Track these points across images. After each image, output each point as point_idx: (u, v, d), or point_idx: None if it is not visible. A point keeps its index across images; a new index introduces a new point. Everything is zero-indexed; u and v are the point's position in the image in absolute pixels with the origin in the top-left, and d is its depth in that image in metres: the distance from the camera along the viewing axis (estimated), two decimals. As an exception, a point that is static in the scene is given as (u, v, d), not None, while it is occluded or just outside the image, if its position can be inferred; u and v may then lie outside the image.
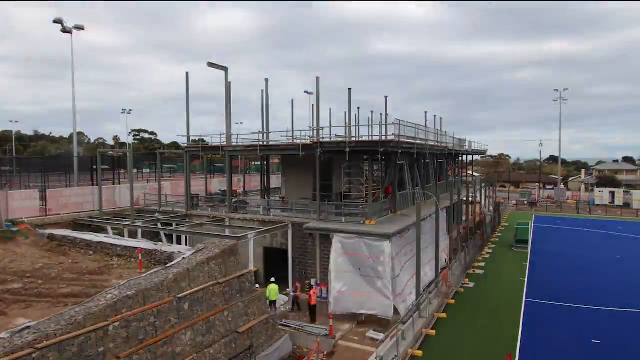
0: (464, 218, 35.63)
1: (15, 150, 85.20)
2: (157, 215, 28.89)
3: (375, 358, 13.90)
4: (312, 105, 39.07)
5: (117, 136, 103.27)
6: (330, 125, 38.34)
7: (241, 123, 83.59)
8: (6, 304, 13.23)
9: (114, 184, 34.67)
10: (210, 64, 26.43)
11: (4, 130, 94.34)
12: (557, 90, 72.08)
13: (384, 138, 22.71)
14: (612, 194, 67.03)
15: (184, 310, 13.50)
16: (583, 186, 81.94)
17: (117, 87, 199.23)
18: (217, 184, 39.76)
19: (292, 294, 21.62)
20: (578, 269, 29.41)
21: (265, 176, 32.81)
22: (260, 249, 24.23)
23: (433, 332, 18.62)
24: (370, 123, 39.94)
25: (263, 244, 24.34)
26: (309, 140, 25.46)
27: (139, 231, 24.76)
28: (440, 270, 23.72)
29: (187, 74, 28.24)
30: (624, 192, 68.11)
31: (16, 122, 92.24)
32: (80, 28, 33.74)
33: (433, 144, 31.45)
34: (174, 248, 18.84)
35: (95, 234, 22.57)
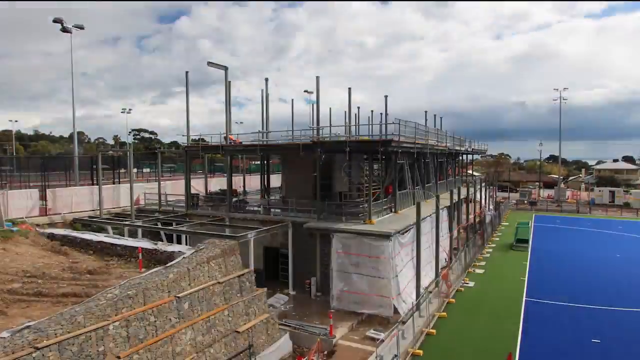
0: (463, 217, 35.64)
1: (15, 150, 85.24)
2: (157, 215, 28.90)
3: (375, 357, 13.90)
4: (312, 105, 39.10)
5: (117, 135, 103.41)
6: (330, 124, 38.40)
7: (241, 122, 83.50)
8: (6, 303, 13.22)
9: (114, 183, 34.66)
10: (210, 64, 26.43)
11: (4, 130, 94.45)
12: (557, 89, 72.15)
13: (384, 137, 22.72)
14: (612, 193, 67.06)
15: (184, 309, 13.50)
16: (583, 186, 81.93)
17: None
18: (217, 183, 39.78)
19: None
20: (578, 269, 29.42)
21: (265, 176, 32.81)
22: (260, 248, 24.23)
23: (433, 331, 18.63)
24: (370, 122, 40.01)
25: (263, 244, 24.34)
26: (309, 140, 25.47)
27: (139, 231, 24.77)
28: (440, 270, 23.73)
29: (186, 73, 28.26)
30: (624, 191, 68.13)
31: (16, 121, 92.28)
32: (80, 27, 33.74)
33: (433, 143, 31.47)
34: (174, 247, 18.83)
35: (95, 233, 22.57)
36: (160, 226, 26.27)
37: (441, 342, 17.79)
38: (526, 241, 36.12)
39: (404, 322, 17.14)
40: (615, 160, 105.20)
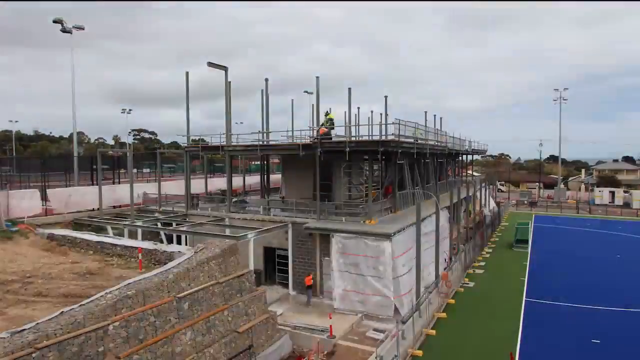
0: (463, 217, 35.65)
1: (15, 150, 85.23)
2: (157, 215, 28.90)
3: (375, 358, 13.90)
4: (312, 105, 39.08)
5: (117, 136, 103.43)
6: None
7: (241, 123, 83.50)
8: (6, 304, 13.23)
9: (114, 183, 34.66)
10: (210, 64, 26.40)
11: (4, 130, 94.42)
12: (557, 89, 72.15)
13: (383, 138, 22.71)
14: (612, 193, 67.07)
15: (184, 310, 13.50)
16: (583, 186, 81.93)
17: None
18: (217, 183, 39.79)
19: None
20: (578, 269, 29.42)
21: (265, 176, 32.80)
22: (260, 248, 24.23)
23: (433, 331, 18.63)
24: (370, 123, 39.99)
25: (263, 244, 24.34)
26: (309, 140, 25.45)
27: (139, 231, 24.77)
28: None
29: (187, 73, 28.23)
30: (624, 191, 68.15)
31: (16, 122, 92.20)
32: (80, 28, 33.74)
33: (433, 143, 31.46)
34: (174, 248, 18.84)
35: (95, 233, 22.58)
36: (160, 226, 26.28)
37: (441, 342, 17.79)
38: (526, 241, 36.13)
39: (403, 323, 17.14)
40: (615, 161, 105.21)
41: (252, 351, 15.00)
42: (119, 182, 35.03)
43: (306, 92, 50.45)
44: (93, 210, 28.99)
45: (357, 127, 33.05)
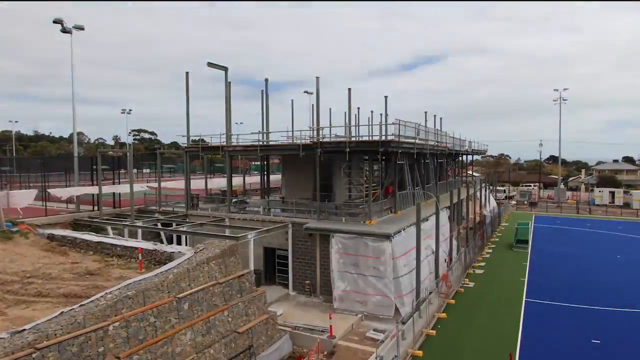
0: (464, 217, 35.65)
1: (15, 150, 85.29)
2: (157, 215, 28.90)
3: (375, 358, 13.90)
4: (312, 105, 39.08)
5: (117, 136, 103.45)
6: (330, 125, 38.43)
7: (241, 123, 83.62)
8: (6, 304, 13.23)
9: (114, 183, 34.67)
10: (210, 64, 26.42)
11: (4, 130, 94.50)
12: (557, 90, 72.18)
13: (383, 138, 22.71)
14: (612, 194, 67.10)
15: (184, 310, 13.50)
16: (583, 186, 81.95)
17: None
18: (217, 183, 39.82)
19: None
20: (578, 269, 29.41)
21: (265, 176, 32.81)
22: (260, 248, 24.23)
23: (433, 332, 18.62)
24: (370, 123, 40.03)
25: (263, 244, 24.35)
26: (309, 140, 25.46)
27: (139, 231, 24.77)
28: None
29: (187, 73, 28.26)
30: (624, 192, 68.17)
31: (16, 122, 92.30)
32: (80, 28, 33.71)
33: (433, 143, 31.46)
34: (174, 248, 18.84)
35: (95, 233, 22.57)
36: (160, 226, 26.28)
37: (441, 342, 17.79)
38: (526, 242, 36.13)
39: (403, 323, 17.13)
40: (616, 161, 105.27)
41: (252, 351, 15.00)
42: (119, 182, 35.04)
43: (306, 92, 50.48)
44: (93, 210, 29.02)
45: (357, 127, 33.12)
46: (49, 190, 28.57)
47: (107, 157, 41.22)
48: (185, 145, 29.78)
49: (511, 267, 29.65)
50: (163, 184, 32.26)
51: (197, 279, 14.55)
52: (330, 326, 17.63)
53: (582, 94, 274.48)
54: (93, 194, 29.48)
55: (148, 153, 69.74)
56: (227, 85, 27.32)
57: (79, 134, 73.65)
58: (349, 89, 32.79)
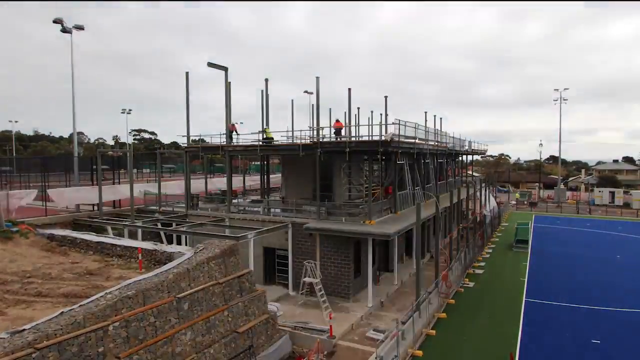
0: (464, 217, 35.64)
1: (15, 150, 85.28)
2: (157, 215, 28.90)
3: (375, 358, 13.90)
4: (312, 105, 39.09)
5: (117, 136, 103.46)
6: (330, 125, 38.39)
7: (241, 123, 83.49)
8: (6, 304, 13.22)
9: (113, 183, 34.68)
10: (210, 64, 26.41)
11: (4, 130, 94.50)
12: (557, 89, 72.19)
13: (384, 137, 22.70)
14: (612, 194, 67.11)
15: (184, 310, 13.50)
16: (583, 186, 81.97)
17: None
18: (217, 183, 39.85)
19: None
20: (578, 269, 29.41)
21: (265, 176, 32.80)
22: (260, 248, 24.24)
23: (433, 332, 18.62)
24: (370, 123, 40.02)
25: (263, 244, 24.35)
26: (308, 140, 25.45)
27: (139, 231, 24.78)
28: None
29: (187, 73, 28.25)
30: (624, 192, 68.18)
31: (16, 122, 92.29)
32: (80, 28, 33.71)
33: (433, 143, 31.46)
34: (174, 248, 18.83)
35: (95, 233, 22.57)
36: (160, 226, 26.28)
37: (441, 342, 17.79)
38: (526, 242, 36.15)
39: (403, 323, 17.12)
40: (615, 161, 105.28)
41: (252, 351, 14.99)
42: (119, 182, 35.05)
43: (306, 92, 50.44)
44: (93, 210, 29.02)
45: (357, 127, 33.11)
46: (48, 190, 28.54)
47: (107, 157, 41.22)
48: (185, 145, 29.77)
49: (511, 267, 29.66)
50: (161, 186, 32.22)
51: (197, 279, 14.55)
52: (331, 326, 17.64)
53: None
54: (92, 205, 29.46)
55: (148, 153, 69.69)
56: (227, 85, 27.31)
57: (79, 133, 73.65)
58: (349, 89, 32.81)
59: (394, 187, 26.46)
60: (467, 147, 45.25)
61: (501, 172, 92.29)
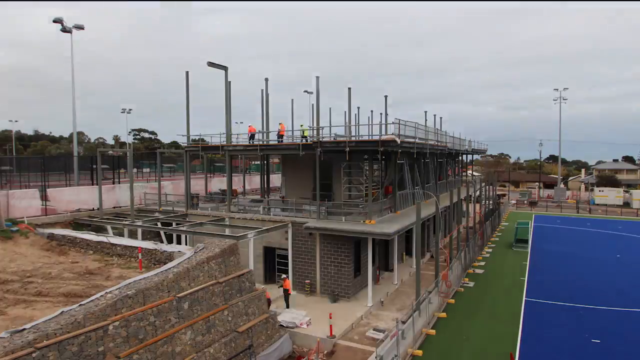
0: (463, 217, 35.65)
1: (15, 149, 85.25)
2: (157, 214, 28.89)
3: (375, 357, 13.90)
4: (312, 104, 39.09)
5: (117, 135, 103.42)
6: (330, 124, 38.40)
7: (241, 122, 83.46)
8: (6, 303, 13.23)
9: (114, 183, 34.67)
10: (210, 64, 26.41)
11: (4, 129, 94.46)
12: (557, 89, 72.17)
13: (385, 137, 22.67)
14: (612, 193, 67.08)
15: (184, 309, 13.50)
16: (583, 186, 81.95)
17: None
18: (218, 183, 39.85)
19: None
20: (578, 269, 29.41)
21: (265, 176, 32.80)
22: (260, 248, 24.23)
23: (433, 331, 18.62)
24: (370, 122, 39.99)
25: (263, 244, 24.35)
26: (309, 140, 25.41)
27: (139, 231, 24.77)
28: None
29: (187, 73, 28.23)
30: (624, 191, 68.18)
31: (16, 121, 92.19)
32: (80, 27, 33.73)
33: (433, 143, 31.44)
34: (174, 247, 18.85)
35: (95, 233, 22.58)
36: (160, 226, 26.27)
37: (441, 342, 17.79)
38: (526, 241, 36.14)
39: (403, 322, 17.13)
40: (615, 160, 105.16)
41: (252, 351, 15.00)
42: (119, 182, 35.04)
43: (306, 91, 50.45)
44: (93, 210, 29.01)
45: (357, 126, 33.07)
46: (47, 190, 28.52)
47: (107, 157, 41.21)
48: (185, 144, 29.76)
49: (511, 267, 29.66)
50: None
51: (197, 279, 14.55)
52: (330, 325, 17.63)
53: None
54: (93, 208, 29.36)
55: (148, 152, 69.65)
56: (227, 85, 27.31)
57: (79, 133, 73.65)
58: (349, 89, 32.78)
59: (394, 186, 26.45)
60: (467, 147, 45.23)
61: (501, 172, 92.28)
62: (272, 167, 48.11)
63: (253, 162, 58.57)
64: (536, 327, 19.37)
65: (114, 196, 31.05)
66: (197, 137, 29.83)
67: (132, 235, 25.34)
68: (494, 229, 43.10)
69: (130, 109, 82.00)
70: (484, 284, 25.63)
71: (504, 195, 50.45)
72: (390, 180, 26.60)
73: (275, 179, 43.39)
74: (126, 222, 25.58)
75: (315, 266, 22.77)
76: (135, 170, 41.09)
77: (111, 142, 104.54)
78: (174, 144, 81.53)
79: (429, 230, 32.26)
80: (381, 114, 37.78)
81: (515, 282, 26.13)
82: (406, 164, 27.69)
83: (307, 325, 18.32)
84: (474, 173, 69.40)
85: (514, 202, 67.07)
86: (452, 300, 22.46)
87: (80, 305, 11.53)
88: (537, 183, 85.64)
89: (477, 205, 39.46)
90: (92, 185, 31.57)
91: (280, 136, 27.35)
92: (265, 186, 32.67)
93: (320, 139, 23.82)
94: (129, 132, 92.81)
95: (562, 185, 76.15)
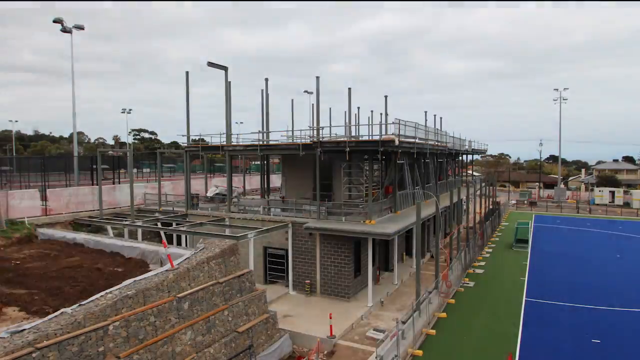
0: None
1: (15, 149, 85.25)
2: (157, 215, 28.89)
3: (375, 357, 13.90)
4: (312, 104, 39.08)
5: (117, 135, 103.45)
6: (330, 124, 38.42)
7: (241, 122, 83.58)
8: (6, 303, 13.23)
9: (114, 183, 34.67)
10: (210, 64, 26.40)
11: (4, 130, 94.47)
12: (557, 89, 72.13)
13: (385, 137, 22.68)
14: (612, 193, 67.10)
15: (184, 309, 13.50)
16: (583, 185, 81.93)
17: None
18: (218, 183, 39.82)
19: None
20: (578, 269, 29.41)
21: (265, 176, 32.81)
22: (260, 248, 24.24)
23: (433, 331, 18.62)
24: (370, 122, 40.00)
25: (263, 244, 24.35)
26: (308, 140, 25.43)
27: (139, 231, 24.76)
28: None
29: (187, 73, 28.26)
30: (624, 191, 68.17)
31: (16, 121, 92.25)
32: (80, 28, 33.72)
33: (433, 143, 31.45)
34: (174, 248, 18.84)
35: (94, 233, 22.58)
36: (160, 226, 26.26)
37: (441, 342, 17.79)
38: (526, 241, 36.14)
39: (403, 322, 17.12)
40: (615, 160, 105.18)
41: (252, 351, 15.00)
42: (119, 182, 35.04)
43: (306, 92, 50.46)
44: (93, 209, 29.00)
45: (357, 126, 33.05)
46: (47, 190, 28.52)
47: (107, 157, 41.21)
48: (185, 144, 29.77)
49: (511, 267, 29.66)
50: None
51: (197, 279, 14.55)
52: (330, 325, 17.64)
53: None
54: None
55: (148, 152, 69.64)
56: (227, 85, 27.30)
57: (79, 133, 73.69)
58: (349, 89, 32.79)
59: (394, 186, 26.45)
60: (467, 147, 45.24)
61: (501, 172, 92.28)
62: (272, 167, 48.11)
63: (253, 162, 58.61)
64: (536, 327, 19.37)
65: (114, 196, 31.05)
66: (197, 137, 29.88)
67: (132, 235, 25.34)
68: (494, 229, 43.10)
69: (130, 109, 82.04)
70: (484, 284, 25.62)
71: (499, 202, 50.64)
72: (391, 180, 26.61)
73: (275, 179, 43.41)
74: (126, 223, 25.58)
75: (316, 266, 22.77)
76: (135, 170, 41.11)
77: (111, 142, 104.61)
78: (174, 144, 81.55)
79: (429, 230, 32.26)
80: (381, 114, 37.80)
81: (515, 282, 26.13)
82: (406, 164, 27.69)
83: None
84: (474, 173, 69.38)
85: (514, 202, 67.05)
86: (452, 300, 22.46)
87: (80, 305, 11.54)
88: (537, 183, 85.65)
89: (477, 205, 39.46)
90: (92, 185, 31.57)
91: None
92: (265, 186, 32.68)
93: (320, 139, 23.83)
94: (129, 132, 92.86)
95: (562, 185, 76.14)
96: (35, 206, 26.21)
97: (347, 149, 22.23)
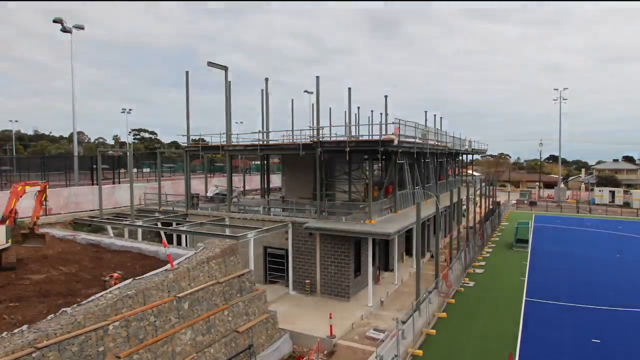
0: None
1: (15, 149, 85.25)
2: (157, 215, 28.89)
3: (375, 357, 13.90)
4: (312, 104, 39.10)
5: (117, 135, 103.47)
6: (330, 124, 38.42)
7: (241, 122, 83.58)
8: (6, 303, 13.22)
9: (114, 183, 34.67)
10: (210, 64, 26.40)
11: (4, 129, 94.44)
12: (557, 89, 72.13)
13: (385, 137, 22.67)
14: (612, 193, 67.11)
15: (184, 309, 13.50)
16: (583, 185, 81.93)
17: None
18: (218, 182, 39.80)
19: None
20: (578, 269, 29.41)
21: (265, 176, 32.81)
22: (260, 248, 24.23)
23: (433, 331, 18.63)
24: (370, 122, 40.00)
25: (263, 244, 24.35)
26: (309, 140, 25.43)
27: (139, 231, 24.76)
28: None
29: (187, 73, 28.26)
30: (624, 191, 68.19)
31: (16, 121, 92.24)
32: (80, 27, 33.73)
33: (433, 143, 31.44)
34: (174, 248, 18.82)
35: (95, 233, 22.57)
36: (160, 226, 26.26)
37: (441, 342, 17.79)
38: (526, 241, 36.13)
39: (403, 322, 17.12)
40: (616, 160, 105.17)
41: (252, 351, 15.00)
42: (119, 182, 35.03)
43: (306, 91, 50.45)
44: (93, 209, 29.01)
45: (357, 126, 33.06)
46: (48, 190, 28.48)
47: (107, 157, 41.20)
48: (185, 144, 29.77)
49: (511, 267, 29.65)
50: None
51: (197, 279, 14.55)
52: (330, 325, 17.64)
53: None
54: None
55: (148, 152, 69.63)
56: (227, 84, 27.30)
57: (79, 133, 73.66)
58: (349, 89, 32.83)
59: (394, 186, 26.45)
60: (467, 147, 45.24)
61: (501, 172, 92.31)
62: (272, 167, 48.10)
63: (253, 162, 58.63)
64: (536, 327, 19.37)
65: (114, 196, 31.05)
66: (197, 137, 29.86)
67: (132, 235, 25.34)
68: (494, 229, 43.10)
69: (130, 109, 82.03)
70: (484, 284, 25.62)
71: (499, 202, 50.66)
72: (391, 180, 26.61)
73: (276, 179, 43.41)
74: (126, 222, 25.58)
75: (316, 266, 22.77)
76: (135, 170, 41.08)
77: (111, 142, 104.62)
78: (174, 144, 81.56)
79: (429, 230, 32.26)
80: (381, 114, 37.82)
81: (515, 282, 26.12)
82: (406, 163, 27.69)
83: None
84: (475, 173, 69.39)
85: (514, 202, 67.06)
86: (452, 300, 22.46)
87: (80, 305, 11.54)
88: (537, 183, 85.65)
89: (477, 206, 39.46)
90: (92, 185, 31.56)
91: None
92: (265, 186, 32.68)
93: (321, 139, 23.83)
94: (129, 132, 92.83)
95: (562, 185, 76.14)
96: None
97: (347, 149, 22.24)
